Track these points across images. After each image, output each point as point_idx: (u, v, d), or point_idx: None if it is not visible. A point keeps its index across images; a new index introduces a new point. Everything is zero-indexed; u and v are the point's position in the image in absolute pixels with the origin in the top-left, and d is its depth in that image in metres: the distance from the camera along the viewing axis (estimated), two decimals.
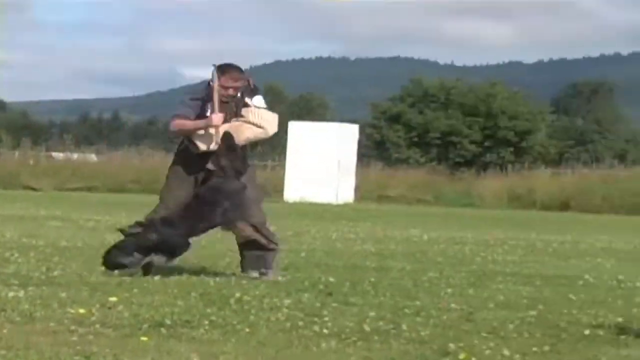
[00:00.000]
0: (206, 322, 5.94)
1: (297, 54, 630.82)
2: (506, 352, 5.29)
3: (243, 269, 8.60)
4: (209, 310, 6.43)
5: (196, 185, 8.59)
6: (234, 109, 8.65)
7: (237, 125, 8.57)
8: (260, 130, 8.65)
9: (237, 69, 8.72)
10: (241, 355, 5.00)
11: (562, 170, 39.08)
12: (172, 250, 8.33)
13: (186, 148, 8.67)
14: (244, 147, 8.58)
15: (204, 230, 8.54)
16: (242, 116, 8.64)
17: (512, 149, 55.27)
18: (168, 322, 5.90)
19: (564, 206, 30.20)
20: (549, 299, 7.88)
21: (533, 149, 56.25)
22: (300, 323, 6.06)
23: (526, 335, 5.98)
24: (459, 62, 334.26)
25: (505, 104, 56.03)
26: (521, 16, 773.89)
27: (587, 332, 6.14)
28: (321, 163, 30.94)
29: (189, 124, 8.57)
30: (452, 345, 5.39)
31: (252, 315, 6.35)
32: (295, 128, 33.22)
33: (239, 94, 8.62)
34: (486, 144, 55.66)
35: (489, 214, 26.60)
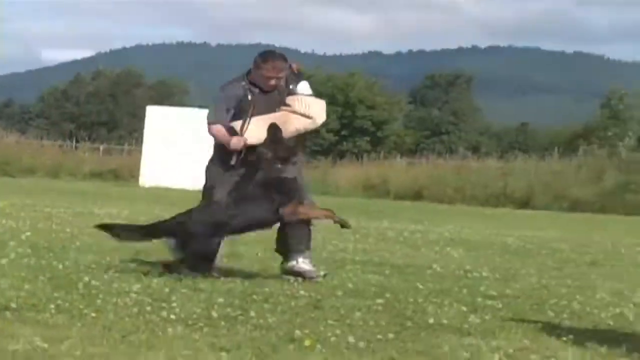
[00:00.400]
0: (52, 306, 5.85)
1: (159, 39, 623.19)
2: (351, 339, 5.36)
3: (289, 251, 8.15)
4: (56, 294, 6.32)
5: (240, 182, 8.06)
6: (278, 97, 8.12)
7: (284, 116, 8.01)
8: (309, 120, 8.07)
9: (280, 57, 8.18)
10: (86, 340, 4.93)
11: (416, 161, 39.78)
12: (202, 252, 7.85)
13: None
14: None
15: (252, 229, 8.17)
16: (287, 105, 8.07)
17: (368, 138, 55.97)
18: (14, 305, 5.80)
19: (418, 196, 30.75)
20: (397, 287, 8.01)
21: (389, 138, 57.12)
22: (148, 308, 6.03)
23: (372, 323, 6.06)
24: (319, 51, 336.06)
25: (364, 93, 56.69)
26: (382, 8, 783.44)
27: (431, 320, 6.26)
28: (178, 148, 30.65)
29: (220, 135, 8.14)
30: (298, 332, 5.44)
31: (100, 299, 6.27)
32: (153, 113, 32.85)
33: (282, 82, 8.10)
34: (343, 132, 56.21)
35: (344, 202, 26.82)
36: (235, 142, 8.01)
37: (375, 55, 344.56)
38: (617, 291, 8.46)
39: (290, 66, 8.12)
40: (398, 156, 41.79)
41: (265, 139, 7.89)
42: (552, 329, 6.13)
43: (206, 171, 8.30)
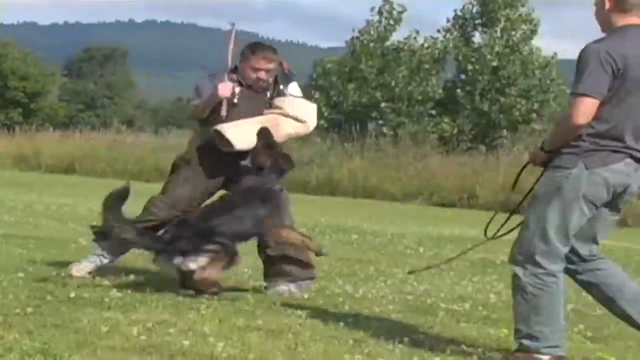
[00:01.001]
0: None
1: None
2: None
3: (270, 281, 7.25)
4: None
5: (215, 185, 7.23)
6: (266, 97, 7.28)
7: (274, 119, 7.16)
8: (300, 124, 7.30)
9: (271, 49, 7.32)
10: None
11: (70, 134, 38.99)
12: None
13: (210, 140, 7.13)
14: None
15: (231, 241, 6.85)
16: (277, 107, 7.26)
17: (21, 110, 54.12)
18: None
19: (70, 169, 30.21)
20: (40, 260, 7.94)
21: (42, 110, 55.53)
22: None
23: (11, 297, 6.01)
24: None
25: (16, 64, 54.69)
26: None
27: (72, 294, 6.28)
28: None
29: (198, 103, 7.20)
30: None
31: None
32: None
33: (271, 79, 7.25)
34: None
35: None
36: (222, 88, 7.04)
37: (30, 25, 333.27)
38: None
39: (280, 63, 7.31)
40: (50, 129, 40.70)
41: (257, 145, 6.95)
42: (192, 303, 6.35)
43: (178, 165, 7.31)
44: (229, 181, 7.19)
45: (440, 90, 36.53)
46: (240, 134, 6.98)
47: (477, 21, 37.37)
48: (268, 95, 7.26)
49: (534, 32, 36.73)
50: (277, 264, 7.15)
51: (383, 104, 35.52)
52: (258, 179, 6.87)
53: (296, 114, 7.21)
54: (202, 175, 7.14)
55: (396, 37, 37.32)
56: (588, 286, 5.41)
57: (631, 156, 5.07)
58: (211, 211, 6.89)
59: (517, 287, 5.16)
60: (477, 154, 27.89)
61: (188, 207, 7.07)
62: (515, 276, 5.17)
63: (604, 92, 4.97)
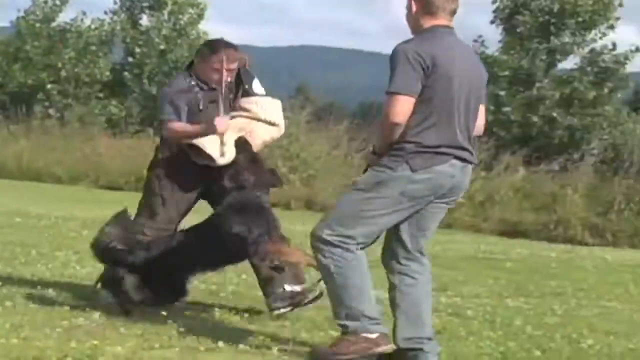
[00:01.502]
0: None
1: None
2: None
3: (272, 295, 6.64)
4: None
5: (194, 198, 6.61)
6: (230, 97, 6.62)
7: (246, 125, 6.48)
8: (274, 128, 6.64)
9: (233, 45, 6.62)
10: None
11: None
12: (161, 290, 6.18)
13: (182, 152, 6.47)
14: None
15: (219, 267, 6.36)
16: (244, 109, 6.56)
17: None
18: None
19: None
20: None
21: None
22: None
23: None
24: None
25: None
26: None
27: None
28: None
29: (189, 129, 6.44)
30: None
31: None
32: None
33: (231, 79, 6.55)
34: None
35: None
36: (221, 123, 6.40)
37: None
38: None
39: (244, 60, 6.68)
40: None
41: (239, 159, 6.29)
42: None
43: (155, 180, 6.67)
44: (208, 192, 6.70)
45: (108, 73, 36.28)
46: (220, 146, 6.42)
47: (144, 4, 37.40)
48: (231, 96, 6.72)
49: (200, 16, 37.32)
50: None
51: (49, 86, 34.84)
52: (244, 196, 6.18)
53: (268, 117, 6.62)
54: (180, 192, 6.62)
55: (63, 18, 36.70)
56: (392, 285, 5.44)
57: (455, 157, 5.24)
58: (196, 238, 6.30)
59: (323, 269, 5.33)
60: (145, 137, 28.07)
61: (173, 225, 6.66)
62: (318, 261, 5.34)
63: (416, 90, 5.12)
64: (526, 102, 30.46)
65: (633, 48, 30.76)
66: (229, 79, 6.60)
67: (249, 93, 6.67)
